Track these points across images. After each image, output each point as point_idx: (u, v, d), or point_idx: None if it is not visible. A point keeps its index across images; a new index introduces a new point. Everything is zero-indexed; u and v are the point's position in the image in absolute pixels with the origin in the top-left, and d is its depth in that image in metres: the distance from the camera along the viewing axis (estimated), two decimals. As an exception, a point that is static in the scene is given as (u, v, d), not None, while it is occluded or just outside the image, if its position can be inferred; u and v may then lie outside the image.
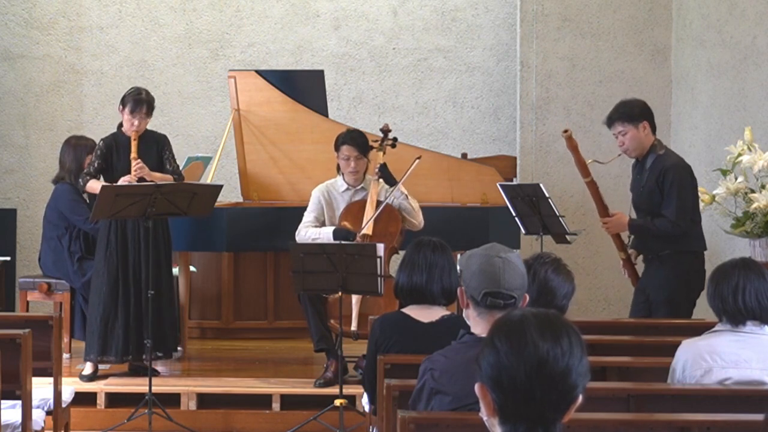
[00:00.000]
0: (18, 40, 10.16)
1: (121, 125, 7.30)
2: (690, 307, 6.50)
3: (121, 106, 7.21)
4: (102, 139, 7.32)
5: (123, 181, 7.03)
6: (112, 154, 7.22)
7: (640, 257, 6.72)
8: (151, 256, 6.92)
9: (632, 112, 6.50)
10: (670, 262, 6.46)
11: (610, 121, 6.54)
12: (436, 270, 4.68)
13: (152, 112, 7.26)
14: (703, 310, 8.37)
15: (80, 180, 7.30)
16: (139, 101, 7.17)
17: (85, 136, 8.03)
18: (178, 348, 7.50)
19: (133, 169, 7.04)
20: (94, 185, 7.10)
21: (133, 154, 7.07)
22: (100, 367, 7.27)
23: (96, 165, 7.21)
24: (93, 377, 7.13)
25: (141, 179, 7.00)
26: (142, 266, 7.09)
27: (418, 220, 7.17)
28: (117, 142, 7.24)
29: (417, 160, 7.18)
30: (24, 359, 5.21)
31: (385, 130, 7.34)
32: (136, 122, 7.13)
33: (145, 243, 7.02)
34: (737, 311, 4.24)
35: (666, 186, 6.40)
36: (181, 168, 8.17)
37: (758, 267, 4.35)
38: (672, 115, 9.11)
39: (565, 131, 6.71)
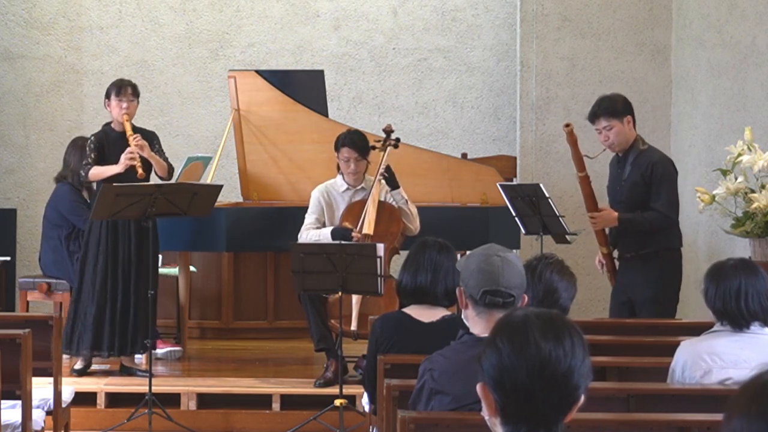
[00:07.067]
0: (18, 40, 10.16)
1: (107, 124, 7.29)
2: (675, 305, 6.53)
3: (106, 100, 7.21)
4: (92, 135, 7.28)
5: (125, 155, 6.99)
6: (104, 148, 7.16)
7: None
8: (136, 256, 7.02)
9: (616, 107, 6.52)
10: (653, 261, 6.48)
11: (595, 116, 6.55)
12: (441, 271, 4.68)
13: (138, 95, 7.25)
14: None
15: (81, 172, 7.21)
16: (123, 83, 7.20)
17: None
18: (146, 343, 6.99)
19: (133, 142, 6.99)
20: (97, 171, 7.08)
21: (129, 132, 7.04)
22: (95, 364, 7.29)
23: (93, 156, 7.13)
24: (85, 371, 7.14)
25: (143, 162, 6.98)
26: (131, 265, 7.10)
27: (415, 226, 7.17)
28: (107, 138, 7.20)
29: (389, 148, 7.20)
30: (24, 359, 5.21)
31: (388, 131, 7.31)
32: (124, 104, 7.12)
33: (136, 241, 7.07)
34: (740, 315, 4.23)
35: (655, 179, 6.45)
36: (181, 168, 8.18)
37: (757, 268, 4.34)
38: (672, 115, 9.10)
39: (567, 125, 6.72)
